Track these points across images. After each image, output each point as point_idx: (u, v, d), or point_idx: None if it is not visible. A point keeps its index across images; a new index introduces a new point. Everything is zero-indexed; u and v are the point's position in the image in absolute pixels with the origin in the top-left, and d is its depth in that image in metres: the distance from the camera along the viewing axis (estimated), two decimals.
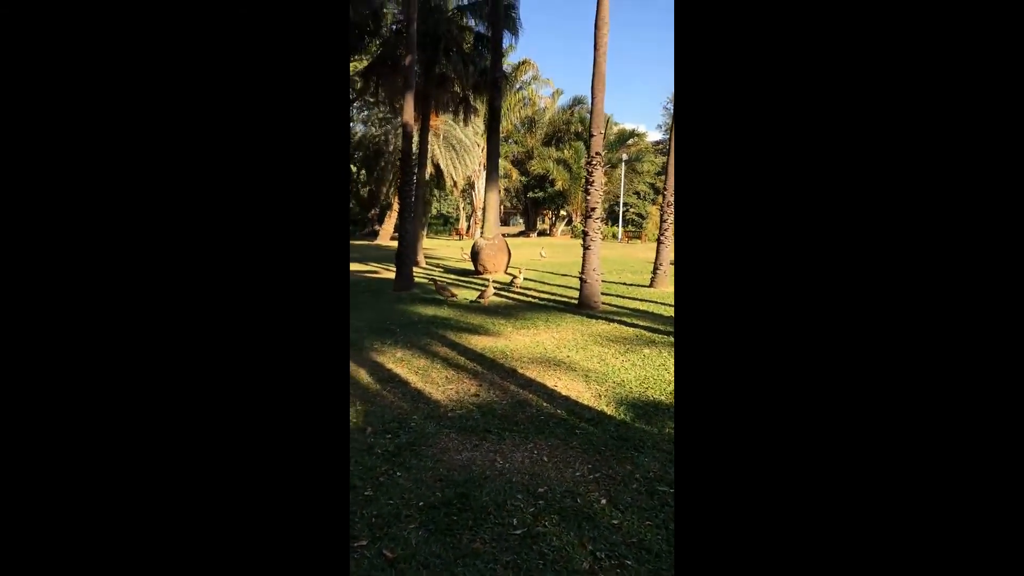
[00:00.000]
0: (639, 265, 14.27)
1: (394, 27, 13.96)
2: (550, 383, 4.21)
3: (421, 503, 2.41)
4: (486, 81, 13.30)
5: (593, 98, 7.48)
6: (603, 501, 2.46)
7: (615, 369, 4.60)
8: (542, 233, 36.45)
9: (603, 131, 7.78)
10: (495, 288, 8.51)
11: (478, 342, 5.57)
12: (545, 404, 3.74)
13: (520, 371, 4.53)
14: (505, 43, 13.15)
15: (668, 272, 9.81)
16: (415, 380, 4.27)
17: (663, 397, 3.91)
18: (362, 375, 4.37)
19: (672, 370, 4.57)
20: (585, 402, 3.80)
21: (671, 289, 9.57)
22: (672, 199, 9.66)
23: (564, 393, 3.98)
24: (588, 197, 7.69)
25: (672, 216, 9.72)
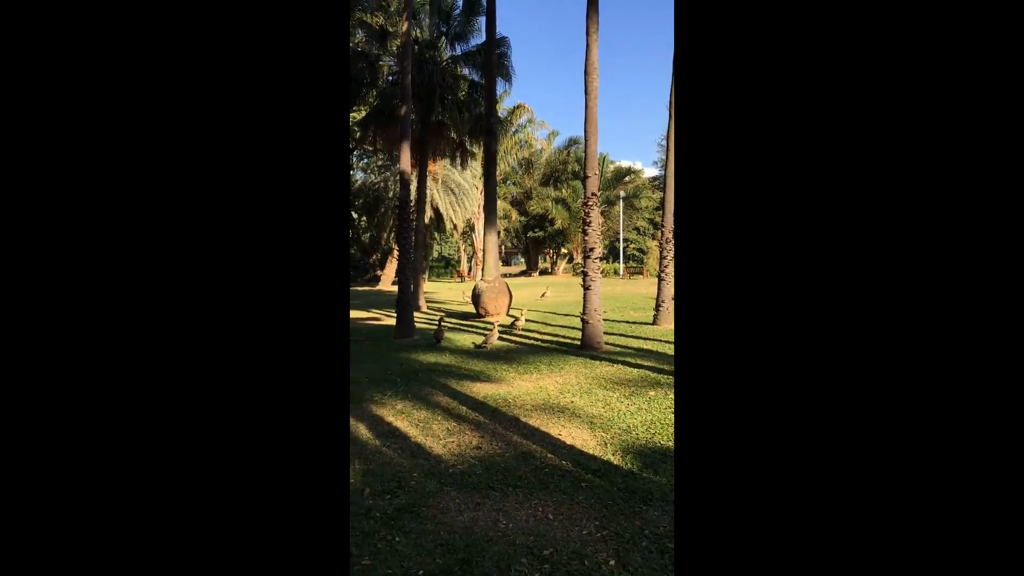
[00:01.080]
0: (641, 301, 14.21)
1: (390, 78, 14.33)
2: (554, 432, 4.10)
3: (421, 572, 2.29)
4: (481, 127, 13.55)
5: (586, 141, 7.58)
6: (612, 562, 2.34)
7: (620, 414, 4.49)
8: (544, 272, 36.55)
9: (598, 172, 7.86)
10: (499, 331, 8.44)
11: (480, 390, 5.47)
12: (549, 455, 3.63)
13: (523, 419, 4.43)
14: (499, 89, 13.45)
15: (670, 308, 9.74)
16: (415, 434, 4.16)
17: (670, 443, 3.79)
18: (361, 430, 4.27)
19: None
20: (590, 451, 3.68)
21: (673, 326, 9.48)
22: (671, 235, 9.68)
23: (569, 442, 3.87)
24: (586, 237, 7.71)
25: (672, 252, 9.72)
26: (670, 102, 9.53)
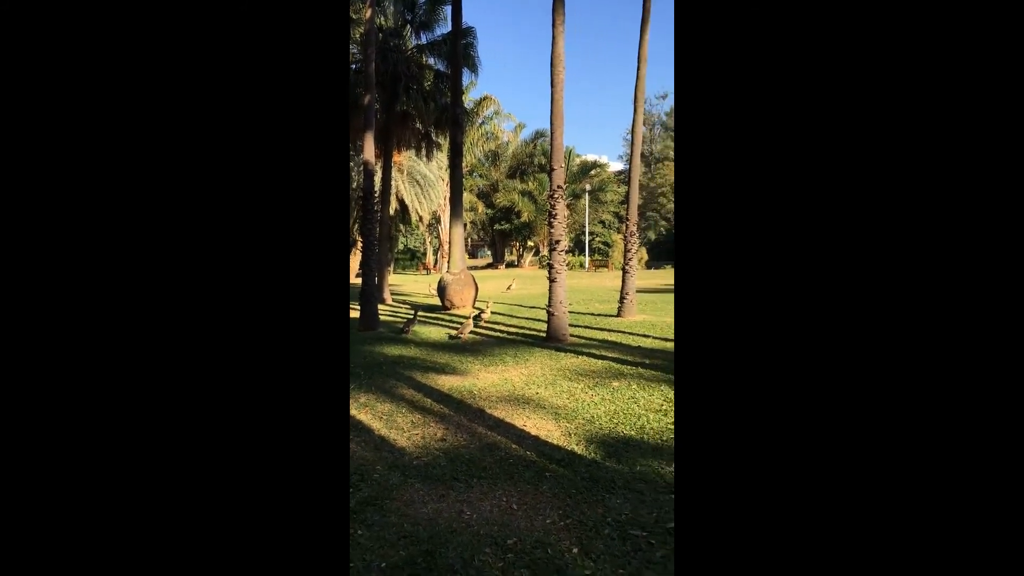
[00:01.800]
0: (606, 294, 14.37)
1: (354, 66, 14.05)
2: (519, 423, 4.12)
3: (384, 564, 2.27)
4: (447, 117, 13.42)
5: (552, 133, 7.59)
6: (575, 550, 2.37)
7: (585, 405, 4.54)
8: (510, 264, 36.58)
9: (564, 164, 7.89)
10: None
11: (445, 382, 5.45)
12: (514, 446, 3.64)
13: (488, 411, 4.43)
14: (465, 80, 13.38)
15: (634, 301, 9.88)
16: (379, 427, 4.12)
17: (633, 432, 3.86)
18: None
19: (641, 403, 4.54)
20: (555, 442, 3.71)
21: (639, 318, 9.63)
22: (635, 228, 9.80)
23: (534, 433, 3.90)
24: (552, 230, 7.73)
25: (635, 245, 9.84)
26: (635, 95, 9.62)
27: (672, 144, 45.86)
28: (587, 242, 31.95)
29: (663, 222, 39.39)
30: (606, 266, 30.79)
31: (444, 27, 14.19)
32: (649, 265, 32.05)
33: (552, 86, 7.49)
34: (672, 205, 37.89)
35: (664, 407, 4.41)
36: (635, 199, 9.91)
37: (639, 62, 9.48)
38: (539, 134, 33.76)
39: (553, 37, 7.46)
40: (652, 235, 39.43)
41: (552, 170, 7.65)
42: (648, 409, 4.37)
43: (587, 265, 30.99)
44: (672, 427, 3.94)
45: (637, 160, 9.82)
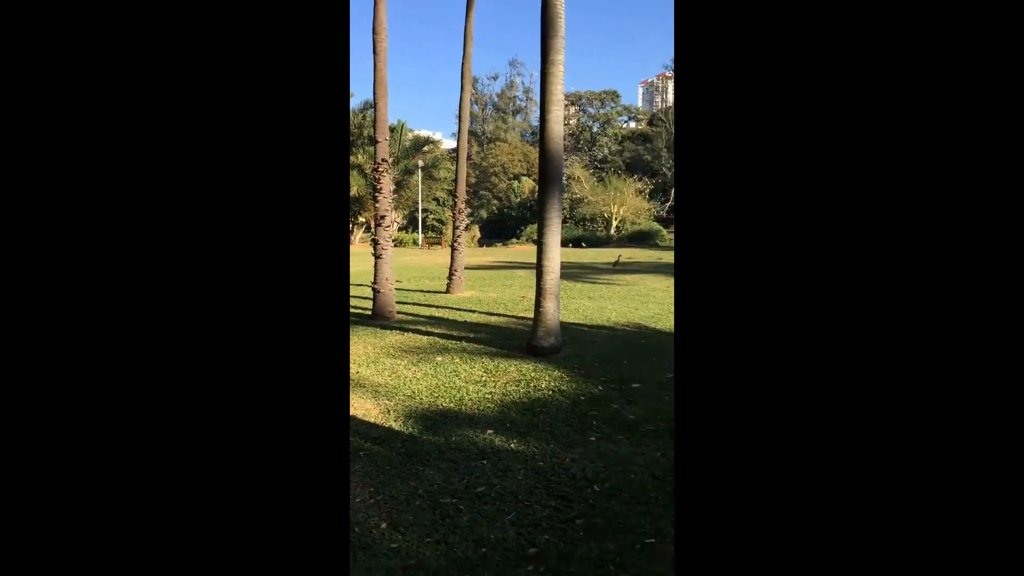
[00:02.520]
0: (439, 271, 14.42)
1: None
2: None
3: None
4: None
5: (376, 104, 7.32)
6: (383, 525, 2.36)
7: (406, 381, 4.52)
8: None
9: (389, 137, 7.67)
10: None
11: None
12: None
13: None
14: None
15: (463, 278, 10.05)
16: None
17: (452, 404, 3.94)
18: None
19: (462, 376, 4.65)
20: (372, 420, 3.65)
21: (467, 294, 9.83)
22: (463, 205, 9.92)
23: (351, 413, 3.79)
24: (377, 204, 7.51)
25: (464, 222, 9.98)
26: (463, 72, 9.66)
27: (504, 125, 47.09)
28: (421, 219, 31.70)
29: (495, 201, 40.51)
30: (440, 243, 30.87)
31: None
32: (482, 243, 32.83)
33: (375, 55, 7.19)
34: (503, 185, 39.13)
35: (483, 378, 4.57)
36: (463, 176, 10.01)
37: (465, 40, 9.52)
38: (368, 104, 32.36)
39: (375, 4, 7.14)
40: (485, 214, 40.36)
41: (377, 142, 7.39)
42: (468, 381, 4.49)
43: (420, 242, 30.81)
44: (489, 396, 4.11)
45: (464, 137, 9.92)
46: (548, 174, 5.33)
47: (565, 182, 35.26)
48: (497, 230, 37.65)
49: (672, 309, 7.99)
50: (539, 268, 5.35)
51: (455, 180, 9.95)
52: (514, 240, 32.15)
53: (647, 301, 8.79)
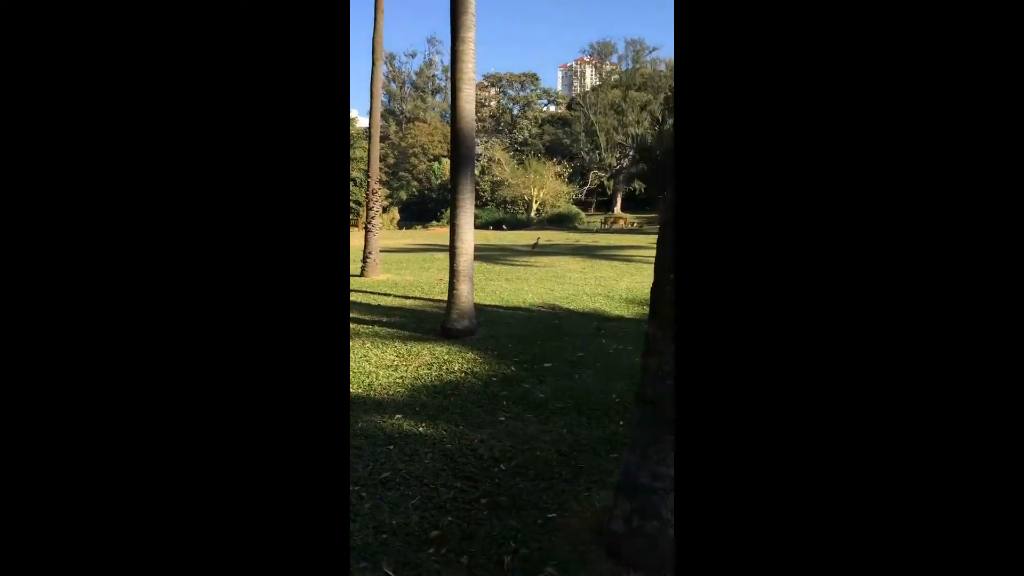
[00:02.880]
0: (354, 253, 13.98)
1: None
2: None
3: None
4: None
5: None
6: None
7: None
8: None
9: None
10: None
11: None
12: None
13: None
14: None
15: (379, 260, 9.80)
16: None
17: (360, 391, 3.83)
18: None
19: (372, 360, 4.54)
20: None
21: (382, 277, 9.60)
22: (376, 186, 9.63)
23: None
24: None
25: (378, 203, 9.70)
26: (373, 47, 9.30)
27: (423, 104, 46.08)
28: None
29: (415, 183, 39.73)
30: (356, 225, 29.98)
31: None
32: (402, 225, 32.18)
33: None
34: (423, 166, 38.42)
35: (395, 363, 4.48)
36: (376, 155, 9.70)
37: (376, 11, 9.17)
38: None
39: None
40: (404, 195, 39.51)
41: None
42: (379, 366, 4.39)
43: None
44: (400, 380, 4.03)
45: (377, 114, 9.60)
46: (460, 154, 5.25)
47: (486, 164, 35.14)
48: (417, 212, 37.02)
49: (585, 290, 8.20)
50: (452, 250, 5.30)
51: (368, 159, 9.62)
52: (434, 222, 31.81)
53: (563, 282, 8.96)
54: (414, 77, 48.32)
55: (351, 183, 33.56)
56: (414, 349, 4.86)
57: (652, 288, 2.04)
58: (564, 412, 3.42)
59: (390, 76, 45.66)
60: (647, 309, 2.13)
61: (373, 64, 9.37)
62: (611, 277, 9.65)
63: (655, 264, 2.02)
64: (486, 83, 43.12)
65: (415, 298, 7.53)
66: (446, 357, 4.60)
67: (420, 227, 31.12)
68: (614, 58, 45.34)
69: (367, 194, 9.92)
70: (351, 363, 4.46)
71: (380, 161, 9.53)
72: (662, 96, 37.44)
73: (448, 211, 6.46)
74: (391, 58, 46.59)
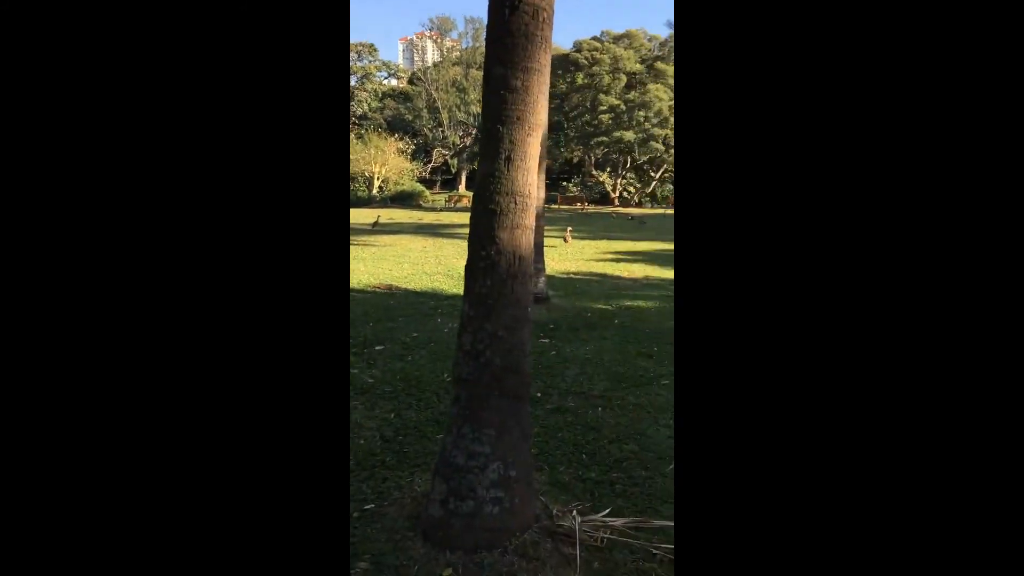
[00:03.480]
0: None
1: None
2: None
3: None
4: None
5: None
6: None
7: None
8: None
9: None
10: None
11: None
12: None
13: None
14: None
15: None
16: None
17: None
18: None
19: None
20: None
21: None
22: None
23: None
24: None
25: None
26: None
27: None
28: None
29: None
30: None
31: None
32: None
33: None
34: None
35: None
36: None
37: None
38: None
39: None
40: None
41: None
42: None
43: None
44: None
45: None
46: None
47: None
48: None
49: (425, 269, 8.11)
50: None
51: None
52: None
53: (402, 262, 8.76)
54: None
55: None
56: None
57: (466, 266, 2.00)
58: (392, 396, 3.31)
59: None
60: None
61: None
62: (453, 255, 9.64)
63: (468, 241, 1.97)
64: None
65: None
66: None
67: None
68: (454, 34, 45.03)
69: None
70: None
71: None
72: None
73: None
74: None
